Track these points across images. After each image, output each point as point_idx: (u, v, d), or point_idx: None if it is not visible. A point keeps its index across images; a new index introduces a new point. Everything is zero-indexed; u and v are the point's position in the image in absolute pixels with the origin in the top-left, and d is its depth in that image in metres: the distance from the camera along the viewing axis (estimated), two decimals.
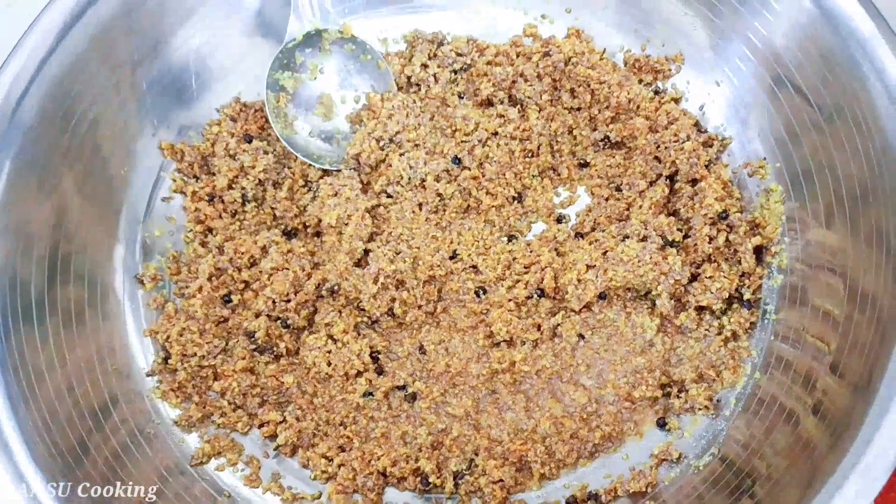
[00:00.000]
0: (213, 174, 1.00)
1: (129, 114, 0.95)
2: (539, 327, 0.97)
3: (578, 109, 1.06)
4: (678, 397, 0.94)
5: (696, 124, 1.04)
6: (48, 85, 0.83)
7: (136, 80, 0.94)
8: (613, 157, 1.06)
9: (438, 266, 0.98)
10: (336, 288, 0.96)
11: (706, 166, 1.00)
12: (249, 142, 1.01)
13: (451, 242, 1.01)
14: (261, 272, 0.96)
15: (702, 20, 1.00)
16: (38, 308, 0.82)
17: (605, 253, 0.97)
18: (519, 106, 1.05)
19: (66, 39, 0.83)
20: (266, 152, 1.00)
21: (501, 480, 0.90)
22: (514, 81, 1.04)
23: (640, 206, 1.01)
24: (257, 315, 0.95)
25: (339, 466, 0.91)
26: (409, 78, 1.06)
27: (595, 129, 1.06)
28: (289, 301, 0.95)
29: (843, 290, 0.86)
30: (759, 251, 0.97)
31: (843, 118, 0.87)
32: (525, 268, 0.99)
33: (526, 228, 1.04)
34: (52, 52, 0.83)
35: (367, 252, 0.97)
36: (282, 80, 1.02)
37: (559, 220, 1.05)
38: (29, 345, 0.80)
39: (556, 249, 1.01)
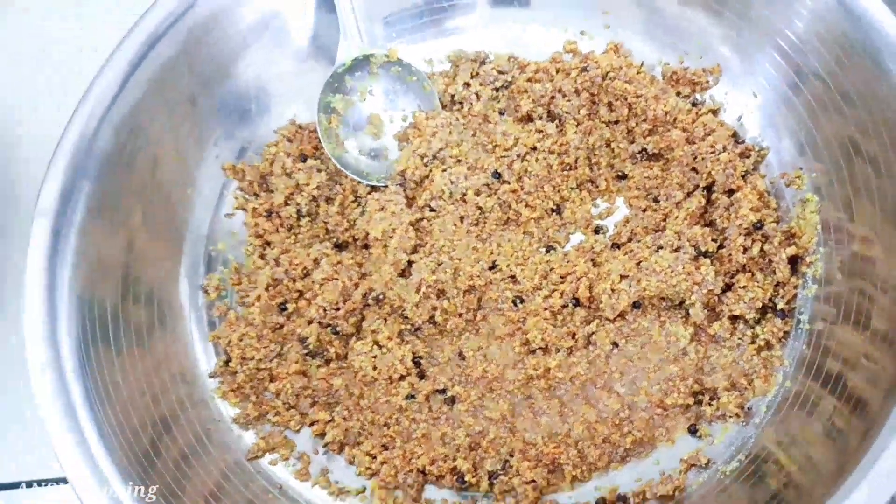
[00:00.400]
0: (271, 192, 1.08)
1: (193, 140, 1.03)
2: (574, 335, 1.01)
3: (616, 123, 1.08)
4: (710, 405, 0.96)
5: (734, 135, 1.05)
6: (117, 120, 0.92)
7: (198, 110, 1.02)
8: (651, 168, 1.08)
9: (478, 276, 1.03)
10: (381, 297, 1.02)
11: (742, 177, 1.01)
12: (304, 161, 1.08)
13: (491, 253, 1.05)
14: (313, 282, 1.03)
15: (731, 30, 1.02)
16: (113, 321, 0.90)
17: (638, 263, 1.00)
18: (557, 121, 1.08)
19: (132, 78, 0.92)
20: (319, 170, 1.07)
21: (534, 481, 0.94)
22: (552, 97, 1.08)
23: (676, 217, 1.03)
24: (310, 322, 1.02)
25: (382, 464, 0.97)
26: (452, 96, 1.12)
27: (633, 142, 1.08)
28: (338, 309, 1.02)
29: (878, 297, 0.86)
30: (793, 261, 0.98)
31: (876, 121, 0.87)
32: (561, 278, 1.03)
33: (564, 240, 1.08)
34: (120, 93, 0.91)
35: (410, 263, 1.03)
36: (333, 103, 1.09)
37: (597, 230, 1.08)
38: (105, 356, 0.88)
39: (592, 260, 1.04)
